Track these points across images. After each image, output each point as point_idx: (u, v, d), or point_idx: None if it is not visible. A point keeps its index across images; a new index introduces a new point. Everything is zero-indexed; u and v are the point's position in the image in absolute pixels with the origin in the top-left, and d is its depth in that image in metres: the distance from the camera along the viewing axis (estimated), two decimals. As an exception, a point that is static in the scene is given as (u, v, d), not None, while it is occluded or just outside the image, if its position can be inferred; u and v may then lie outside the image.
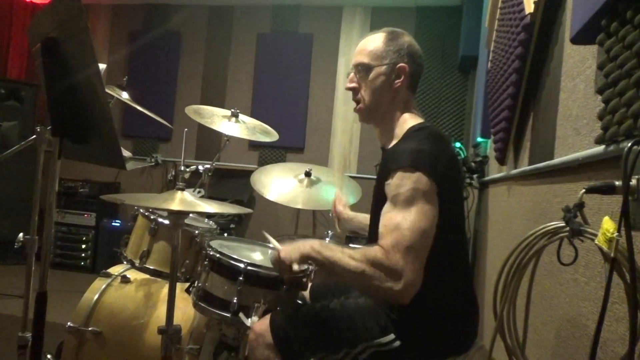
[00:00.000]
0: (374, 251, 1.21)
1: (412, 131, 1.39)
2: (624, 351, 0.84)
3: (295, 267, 1.32)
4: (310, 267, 1.65)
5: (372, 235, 1.51)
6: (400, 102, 1.44)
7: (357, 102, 1.47)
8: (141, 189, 4.94)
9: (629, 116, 0.86)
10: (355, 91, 1.46)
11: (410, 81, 1.44)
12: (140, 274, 2.00)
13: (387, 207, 1.27)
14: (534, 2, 1.60)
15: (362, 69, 1.43)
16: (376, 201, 1.42)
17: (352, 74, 1.47)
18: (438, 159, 1.27)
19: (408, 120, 1.42)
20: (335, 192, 2.03)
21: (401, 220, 1.21)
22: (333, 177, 1.97)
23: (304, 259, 1.32)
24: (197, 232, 1.94)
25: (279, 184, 2.60)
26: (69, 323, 1.89)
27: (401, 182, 1.24)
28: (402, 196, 1.23)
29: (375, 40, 1.44)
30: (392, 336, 1.28)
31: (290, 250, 1.34)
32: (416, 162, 1.24)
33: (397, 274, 1.17)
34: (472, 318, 1.40)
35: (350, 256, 1.24)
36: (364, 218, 1.80)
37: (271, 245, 1.64)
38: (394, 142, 1.42)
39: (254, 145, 4.80)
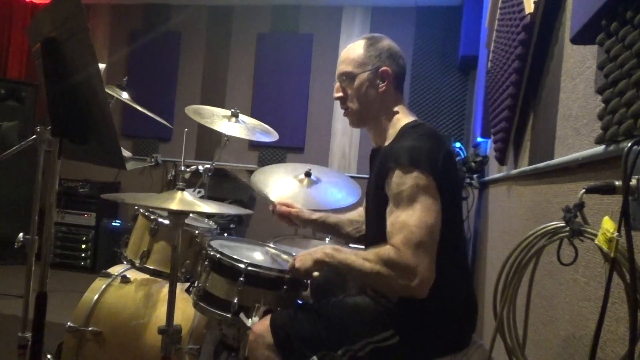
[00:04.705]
0: (387, 251, 1.22)
1: (407, 128, 1.41)
2: (624, 351, 0.84)
3: (316, 274, 1.35)
4: None
5: (370, 236, 1.51)
6: (390, 103, 1.47)
7: (346, 109, 1.51)
8: (141, 189, 4.93)
9: (629, 116, 0.86)
10: (342, 100, 1.51)
11: (395, 82, 1.47)
12: (140, 274, 1.99)
13: (390, 207, 1.29)
14: (534, 2, 1.60)
15: (347, 78, 1.48)
16: (373, 201, 1.42)
17: (337, 84, 1.51)
18: (436, 156, 1.29)
19: (401, 119, 1.45)
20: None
21: (407, 218, 1.22)
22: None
23: (319, 265, 1.34)
24: (197, 232, 1.94)
25: (279, 184, 2.59)
26: (69, 323, 1.89)
27: (401, 181, 1.26)
28: (404, 194, 1.25)
29: (356, 48, 1.48)
30: (391, 332, 1.29)
31: (304, 258, 1.36)
32: (414, 159, 1.26)
33: (411, 271, 1.19)
34: (471, 315, 1.41)
35: (364, 258, 1.26)
36: (336, 218, 1.78)
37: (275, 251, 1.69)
38: (388, 141, 1.43)
39: (254, 145, 4.80)
